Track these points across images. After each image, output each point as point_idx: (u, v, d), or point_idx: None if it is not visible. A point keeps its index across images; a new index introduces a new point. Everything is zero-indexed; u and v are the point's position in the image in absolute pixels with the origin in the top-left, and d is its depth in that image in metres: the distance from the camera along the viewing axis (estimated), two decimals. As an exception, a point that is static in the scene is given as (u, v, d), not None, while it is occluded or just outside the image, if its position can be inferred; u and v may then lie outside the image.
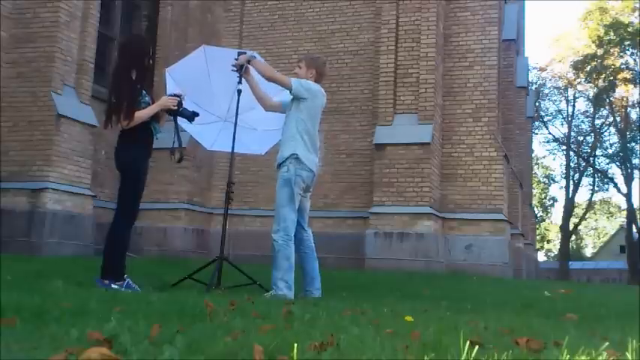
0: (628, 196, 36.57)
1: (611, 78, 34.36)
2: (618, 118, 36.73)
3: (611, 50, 34.19)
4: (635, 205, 37.44)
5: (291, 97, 4.77)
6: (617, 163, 37.44)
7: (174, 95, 4.64)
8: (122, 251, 4.51)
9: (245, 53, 5.08)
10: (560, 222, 41.50)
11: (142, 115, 4.45)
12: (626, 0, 34.09)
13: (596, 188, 40.54)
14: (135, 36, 5.44)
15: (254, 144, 6.07)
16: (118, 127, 4.49)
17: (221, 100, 5.72)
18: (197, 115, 4.70)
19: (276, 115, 5.25)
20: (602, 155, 38.55)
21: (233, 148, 5.20)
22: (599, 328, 2.97)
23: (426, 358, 1.74)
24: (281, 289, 4.44)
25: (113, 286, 4.24)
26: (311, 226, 5.03)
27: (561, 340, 2.11)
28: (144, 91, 4.61)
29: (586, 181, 40.29)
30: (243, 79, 4.99)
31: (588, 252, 63.20)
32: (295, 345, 1.70)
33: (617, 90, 35.67)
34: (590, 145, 38.38)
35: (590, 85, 36.11)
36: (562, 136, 39.53)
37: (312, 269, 4.77)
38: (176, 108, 4.59)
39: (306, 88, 4.77)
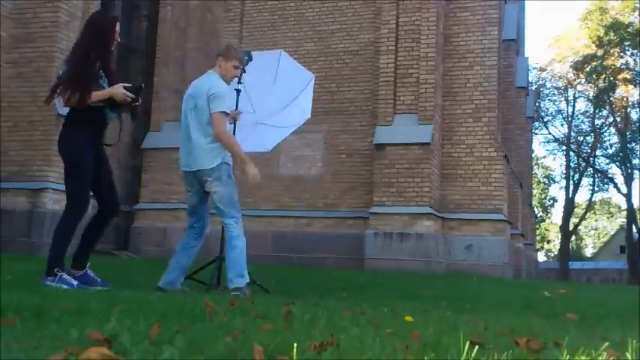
0: (628, 197, 36.58)
1: (611, 78, 34.35)
2: (618, 119, 36.72)
3: (611, 50, 34.19)
4: (635, 205, 37.47)
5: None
6: (617, 163, 37.43)
7: (133, 87, 4.18)
8: (63, 245, 4.35)
9: (249, 55, 4.96)
10: (560, 222, 41.51)
11: (92, 97, 4.05)
12: (626, 0, 34.10)
13: (596, 188, 40.60)
14: (100, 14, 5.03)
15: (259, 140, 5.72)
16: (64, 105, 4.17)
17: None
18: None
19: (280, 112, 5.19)
20: (602, 155, 38.58)
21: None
22: (599, 328, 2.97)
23: (426, 358, 1.74)
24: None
25: (47, 282, 4.08)
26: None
27: (561, 340, 2.11)
28: (102, 73, 4.24)
29: (586, 181, 40.35)
30: (240, 83, 4.93)
31: (588, 252, 63.21)
32: (295, 345, 1.70)
33: (617, 90, 35.68)
34: (590, 145, 38.38)
35: (590, 85, 36.11)
36: (562, 136, 39.54)
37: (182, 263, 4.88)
38: (131, 101, 4.13)
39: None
